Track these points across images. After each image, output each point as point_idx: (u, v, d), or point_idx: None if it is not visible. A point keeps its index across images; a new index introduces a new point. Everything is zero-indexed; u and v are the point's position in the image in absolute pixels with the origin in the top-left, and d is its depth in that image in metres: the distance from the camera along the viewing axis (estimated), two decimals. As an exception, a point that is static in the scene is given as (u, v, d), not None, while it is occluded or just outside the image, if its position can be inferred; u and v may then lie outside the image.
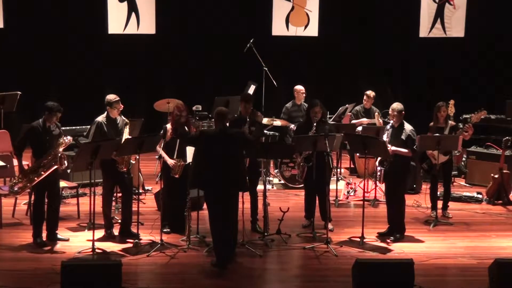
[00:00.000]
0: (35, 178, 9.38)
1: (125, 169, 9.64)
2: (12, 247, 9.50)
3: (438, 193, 11.11)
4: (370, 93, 13.39)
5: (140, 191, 11.42)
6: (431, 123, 11.01)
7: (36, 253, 9.28)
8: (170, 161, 9.86)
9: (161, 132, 10.03)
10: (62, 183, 10.32)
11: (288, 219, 10.19)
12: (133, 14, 15.39)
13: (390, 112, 10.09)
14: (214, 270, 8.82)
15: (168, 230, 9.97)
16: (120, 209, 10.15)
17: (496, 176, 11.86)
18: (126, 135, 9.71)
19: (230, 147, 8.86)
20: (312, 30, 15.84)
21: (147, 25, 15.48)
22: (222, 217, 8.84)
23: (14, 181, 9.61)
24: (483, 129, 13.95)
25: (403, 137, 9.86)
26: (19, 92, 13.37)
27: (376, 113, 13.07)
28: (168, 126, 10.07)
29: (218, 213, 8.85)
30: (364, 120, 13.16)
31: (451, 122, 11.00)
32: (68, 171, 11.05)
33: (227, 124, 9.07)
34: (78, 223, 10.45)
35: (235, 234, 9.11)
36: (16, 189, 9.54)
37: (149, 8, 15.46)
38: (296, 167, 10.80)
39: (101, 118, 9.78)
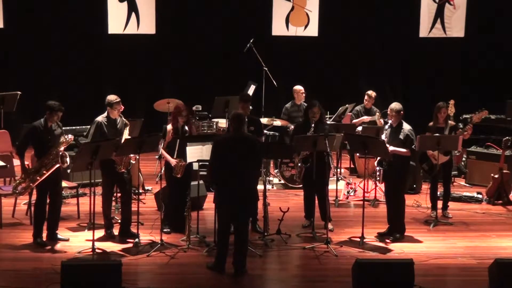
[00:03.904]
0: (38, 178, 9.38)
1: (123, 170, 9.63)
2: (12, 247, 9.49)
3: (438, 193, 11.10)
4: (372, 93, 13.37)
5: (140, 191, 11.41)
6: (430, 123, 11.01)
7: (36, 253, 9.28)
8: (172, 161, 9.86)
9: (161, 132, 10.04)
10: (62, 183, 10.32)
11: (288, 219, 10.18)
12: (133, 14, 15.39)
13: (388, 112, 10.08)
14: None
15: (169, 230, 9.98)
16: (120, 209, 10.15)
17: (496, 176, 11.86)
18: (125, 136, 9.70)
19: (246, 151, 8.58)
20: (312, 30, 15.84)
21: (147, 25, 15.48)
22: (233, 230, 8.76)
23: (17, 181, 9.61)
24: (483, 129, 13.94)
25: (401, 137, 9.85)
26: (19, 92, 13.39)
27: (377, 113, 13.06)
28: (169, 126, 10.07)
29: (228, 226, 8.76)
30: (365, 117, 13.14)
31: (451, 122, 10.99)
32: (68, 171, 11.05)
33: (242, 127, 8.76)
34: (78, 223, 10.45)
35: (246, 246, 8.88)
36: (19, 189, 9.55)
37: (149, 8, 15.46)
38: (295, 167, 10.81)
39: (101, 118, 9.77)
